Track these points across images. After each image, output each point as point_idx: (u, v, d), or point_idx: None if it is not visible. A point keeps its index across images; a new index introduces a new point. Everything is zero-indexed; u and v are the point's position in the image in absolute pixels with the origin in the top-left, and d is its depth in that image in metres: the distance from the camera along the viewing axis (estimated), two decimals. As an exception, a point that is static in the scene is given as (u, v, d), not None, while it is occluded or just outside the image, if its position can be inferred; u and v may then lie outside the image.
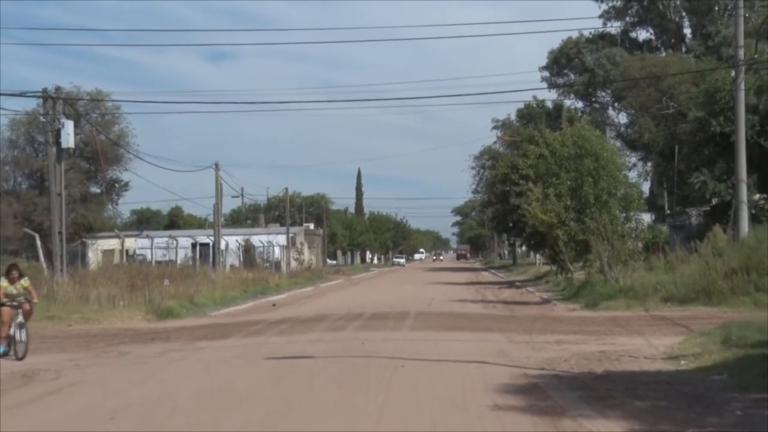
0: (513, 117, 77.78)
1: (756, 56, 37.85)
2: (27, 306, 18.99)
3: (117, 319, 28.71)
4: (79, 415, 11.87)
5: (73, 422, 11.28)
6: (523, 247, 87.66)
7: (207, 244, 65.36)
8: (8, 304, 18.70)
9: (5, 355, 18.33)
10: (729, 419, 10.35)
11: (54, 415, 11.96)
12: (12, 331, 18.50)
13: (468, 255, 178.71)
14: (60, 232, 34.74)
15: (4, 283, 18.90)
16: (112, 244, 66.50)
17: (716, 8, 67.12)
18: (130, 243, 69.33)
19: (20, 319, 18.60)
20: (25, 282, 19.24)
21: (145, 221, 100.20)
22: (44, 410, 12.39)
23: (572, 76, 72.50)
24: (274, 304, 37.45)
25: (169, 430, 10.69)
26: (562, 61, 72.77)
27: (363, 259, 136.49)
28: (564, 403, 11.68)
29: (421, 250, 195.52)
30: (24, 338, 18.63)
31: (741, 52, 34.12)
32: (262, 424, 10.73)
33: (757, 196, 39.21)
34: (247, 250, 72.82)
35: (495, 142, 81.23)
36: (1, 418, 11.55)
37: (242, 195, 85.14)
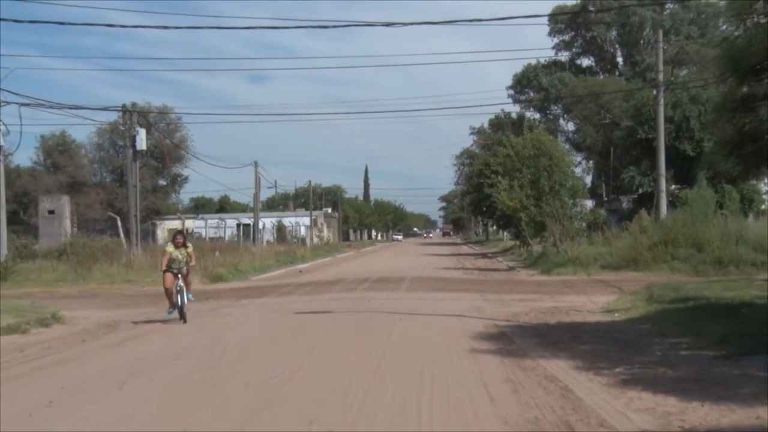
0: (486, 125, 77.70)
1: (672, 79, 38.13)
2: (185, 270, 16.14)
3: (179, 282, 28.70)
4: (151, 355, 11.91)
5: (147, 361, 11.32)
6: (494, 227, 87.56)
7: (248, 225, 65.47)
8: (172, 269, 15.94)
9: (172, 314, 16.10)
10: (651, 358, 10.36)
11: (132, 354, 12.00)
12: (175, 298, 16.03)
13: (451, 233, 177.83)
14: (135, 215, 34.76)
15: (170, 248, 16.24)
16: (175, 224, 66.49)
17: (642, 42, 67.34)
18: (189, 223, 69.45)
19: (180, 283, 15.91)
20: (189, 248, 16.41)
21: (200, 206, 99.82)
22: (125, 351, 12.44)
23: (531, 94, 72.34)
24: (300, 271, 37.47)
25: (220, 367, 10.71)
26: (524, 82, 72.71)
27: (369, 236, 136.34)
28: (525, 347, 11.69)
29: (415, 229, 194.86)
30: (183, 302, 15.99)
31: (660, 76, 34.31)
32: (292, 362, 10.75)
33: (673, 186, 39.22)
34: (280, 229, 72.95)
35: (472, 145, 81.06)
36: (98, 356, 11.63)
37: (276, 186, 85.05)
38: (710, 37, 51.09)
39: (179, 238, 16.43)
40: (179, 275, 16.05)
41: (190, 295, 16.53)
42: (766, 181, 36.14)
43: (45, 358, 11.75)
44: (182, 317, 15.97)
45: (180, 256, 16.10)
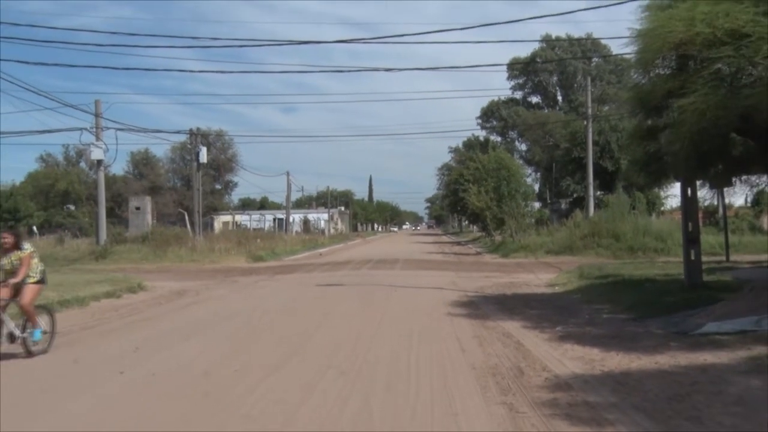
0: (460, 145, 77.71)
1: (597, 113, 38.27)
2: (10, 287, 7.84)
3: (230, 261, 28.82)
4: (210, 315, 11.96)
5: (206, 319, 11.37)
6: (466, 222, 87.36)
7: (282, 219, 65.38)
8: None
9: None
10: (581, 320, 10.43)
11: (197, 314, 12.07)
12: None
13: (434, 226, 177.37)
14: (198, 211, 34.78)
15: None
16: (227, 218, 66.63)
17: (575, 85, 67.71)
18: (238, 218, 69.36)
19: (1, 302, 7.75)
20: (23, 252, 7.95)
21: (246, 205, 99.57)
22: (191, 312, 12.49)
23: (494, 123, 72.38)
24: (320, 254, 37.48)
25: (261, 325, 10.77)
26: (489, 114, 72.62)
27: (373, 228, 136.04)
28: (488, 312, 11.74)
29: (407, 223, 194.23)
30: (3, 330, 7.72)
31: (589, 111, 34.56)
32: (314, 322, 10.82)
33: (599, 192, 39.25)
34: (305, 222, 72.86)
35: (450, 160, 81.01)
36: (171, 315, 11.70)
37: (302, 190, 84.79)
38: (625, 83, 51.18)
39: (6, 237, 7.99)
40: (5, 289, 7.83)
41: (38, 332, 8.01)
42: (665, 189, 36.25)
43: (132, 316, 11.82)
44: (27, 351, 7.86)
45: (7, 265, 7.96)
